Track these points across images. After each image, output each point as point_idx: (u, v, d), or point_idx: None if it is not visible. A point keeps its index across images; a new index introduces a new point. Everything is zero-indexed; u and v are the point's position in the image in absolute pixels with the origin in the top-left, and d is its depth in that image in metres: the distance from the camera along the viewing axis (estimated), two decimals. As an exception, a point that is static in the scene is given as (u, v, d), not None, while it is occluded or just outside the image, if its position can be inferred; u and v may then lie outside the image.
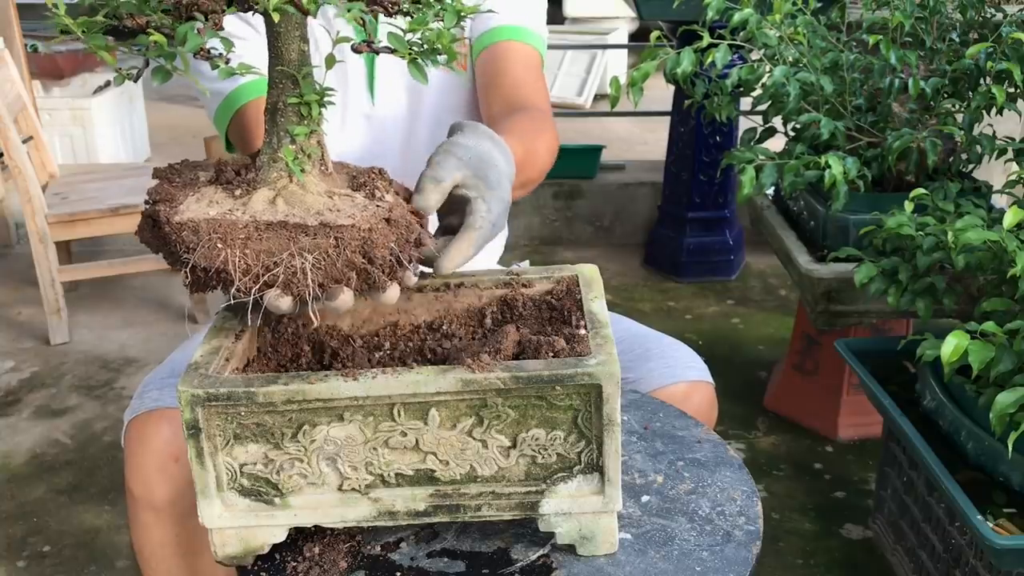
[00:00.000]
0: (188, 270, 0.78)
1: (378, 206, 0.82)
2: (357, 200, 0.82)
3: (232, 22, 1.26)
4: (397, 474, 0.86)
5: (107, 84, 4.06)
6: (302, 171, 0.83)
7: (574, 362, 0.84)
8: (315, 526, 0.89)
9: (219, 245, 0.77)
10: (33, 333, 2.99)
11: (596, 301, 0.96)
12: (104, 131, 3.89)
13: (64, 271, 2.89)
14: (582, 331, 0.92)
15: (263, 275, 0.77)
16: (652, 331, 1.36)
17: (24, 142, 2.83)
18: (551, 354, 0.88)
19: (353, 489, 0.87)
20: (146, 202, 0.83)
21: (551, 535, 0.90)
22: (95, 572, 1.98)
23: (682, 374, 1.26)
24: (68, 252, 3.15)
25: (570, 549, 0.90)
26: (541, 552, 0.91)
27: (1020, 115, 1.88)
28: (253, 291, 0.78)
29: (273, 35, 0.83)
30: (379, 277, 0.81)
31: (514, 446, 0.85)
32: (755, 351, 2.81)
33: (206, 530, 0.88)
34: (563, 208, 3.60)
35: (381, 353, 0.99)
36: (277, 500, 0.87)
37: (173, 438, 1.16)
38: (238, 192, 0.81)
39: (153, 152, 4.30)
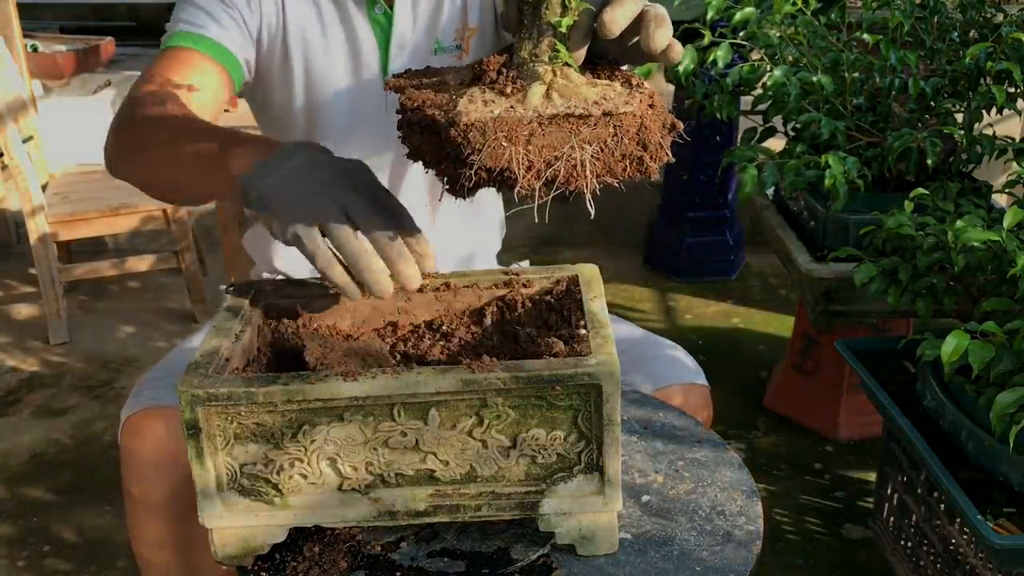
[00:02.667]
0: (473, 172, 0.77)
1: (640, 92, 0.81)
2: (617, 88, 0.81)
3: None
4: (397, 474, 0.86)
5: (107, 84, 4.06)
6: (568, 64, 0.81)
7: (574, 362, 0.84)
8: (315, 526, 0.89)
9: (504, 143, 0.75)
10: (33, 333, 2.98)
11: (596, 301, 0.96)
12: (104, 131, 3.89)
13: (64, 271, 2.89)
14: (582, 331, 0.92)
15: (545, 171, 0.76)
16: (647, 334, 1.36)
17: (24, 142, 2.83)
18: (551, 354, 0.88)
19: (353, 489, 0.87)
20: (408, 110, 0.83)
21: (551, 535, 0.90)
22: (95, 572, 1.98)
23: (677, 376, 1.26)
24: (68, 252, 3.15)
25: (570, 549, 0.90)
26: (541, 552, 0.91)
27: (1020, 115, 1.88)
28: (537, 188, 0.77)
29: None
30: (650, 164, 0.80)
31: (514, 446, 0.85)
32: (755, 351, 2.81)
33: (204, 529, 0.88)
34: (563, 208, 3.61)
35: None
36: (277, 500, 0.87)
37: (169, 436, 1.16)
38: (508, 90, 0.79)
39: (153, 152, 4.30)
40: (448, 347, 1.00)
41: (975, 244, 1.42)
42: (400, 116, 0.85)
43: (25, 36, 3.56)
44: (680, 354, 1.31)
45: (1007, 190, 1.81)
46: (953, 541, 1.53)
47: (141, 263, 2.97)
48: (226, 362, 0.88)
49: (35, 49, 3.94)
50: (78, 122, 3.79)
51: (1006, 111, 1.83)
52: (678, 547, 0.92)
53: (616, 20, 0.78)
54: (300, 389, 0.82)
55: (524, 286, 1.03)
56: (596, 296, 0.97)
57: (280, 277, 1.43)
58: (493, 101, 0.78)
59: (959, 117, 1.90)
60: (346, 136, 1.34)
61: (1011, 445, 1.26)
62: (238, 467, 0.85)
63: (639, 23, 0.79)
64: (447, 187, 0.81)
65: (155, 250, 3.19)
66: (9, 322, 3.07)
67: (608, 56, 0.85)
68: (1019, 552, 1.31)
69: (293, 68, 1.32)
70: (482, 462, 0.86)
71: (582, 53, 0.82)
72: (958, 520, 1.50)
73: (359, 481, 0.86)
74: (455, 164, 0.78)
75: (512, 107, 0.77)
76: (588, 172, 0.76)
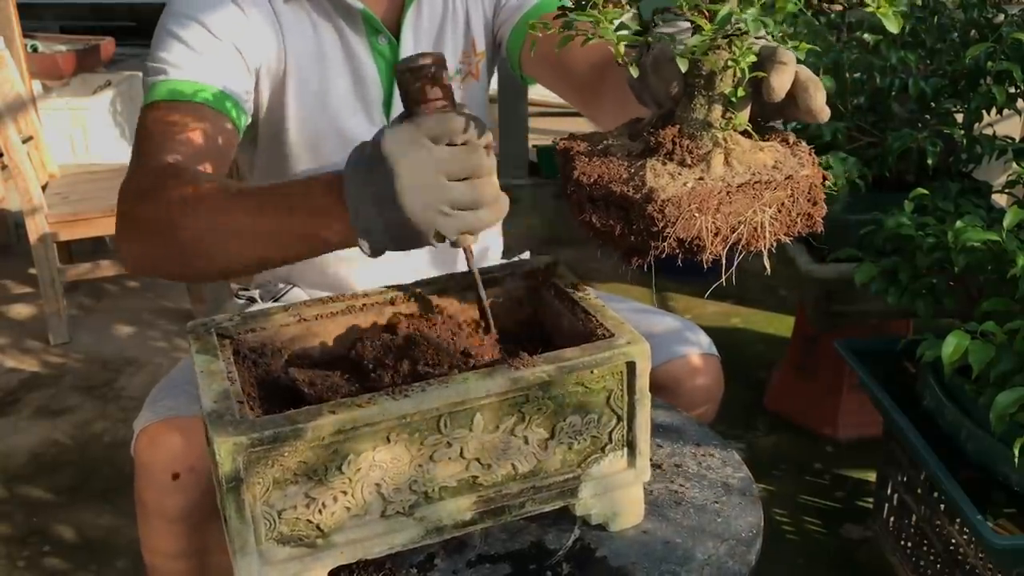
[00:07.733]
0: (665, 244, 0.80)
1: (800, 150, 0.85)
2: (781, 148, 0.85)
3: (203, 33, 1.15)
4: (441, 488, 0.85)
5: (107, 84, 4.06)
6: (746, 132, 0.84)
7: (606, 344, 0.87)
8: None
9: (696, 214, 0.78)
10: (33, 333, 2.98)
11: (581, 288, 0.99)
12: (104, 131, 3.89)
13: (64, 271, 2.89)
14: (592, 317, 0.93)
15: (730, 236, 0.80)
16: (641, 308, 1.39)
17: (24, 142, 2.83)
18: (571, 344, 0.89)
19: (398, 512, 0.84)
20: (586, 186, 0.84)
21: (574, 518, 0.92)
22: (95, 572, 1.98)
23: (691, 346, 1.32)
24: (68, 252, 3.15)
25: (599, 526, 0.92)
26: (574, 536, 0.93)
27: (1020, 115, 1.88)
28: (723, 252, 0.80)
29: None
30: (817, 218, 0.83)
31: (552, 437, 0.87)
32: (755, 351, 2.81)
33: (219, 535, 0.84)
34: (563, 208, 3.60)
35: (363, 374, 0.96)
36: (320, 541, 0.83)
37: (187, 448, 1.13)
38: (688, 161, 0.82)
39: (153, 152, 4.29)
40: (448, 355, 0.96)
41: (975, 244, 1.42)
42: (574, 191, 0.85)
43: (25, 36, 3.56)
44: (683, 323, 1.36)
45: (1007, 190, 1.81)
46: (953, 541, 1.53)
47: (141, 263, 2.96)
48: (240, 404, 0.82)
49: (35, 49, 3.94)
50: (78, 122, 3.79)
51: (1006, 111, 1.83)
52: (690, 504, 0.97)
53: (784, 85, 0.81)
54: (351, 417, 0.78)
55: (492, 284, 1.02)
56: (572, 283, 1.00)
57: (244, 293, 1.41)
58: (679, 173, 0.81)
59: (959, 117, 1.90)
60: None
61: (1015, 455, 1.26)
62: (276, 514, 0.80)
63: (795, 85, 0.83)
64: (626, 258, 0.84)
65: (155, 250, 3.18)
66: (9, 322, 3.07)
67: (757, 115, 0.88)
68: (1019, 552, 1.31)
69: (289, 100, 1.25)
70: (522, 458, 0.86)
71: (745, 115, 0.85)
72: (958, 520, 1.50)
73: (403, 503, 0.84)
74: (646, 237, 0.80)
75: (701, 179, 0.80)
76: (768, 233, 0.81)
